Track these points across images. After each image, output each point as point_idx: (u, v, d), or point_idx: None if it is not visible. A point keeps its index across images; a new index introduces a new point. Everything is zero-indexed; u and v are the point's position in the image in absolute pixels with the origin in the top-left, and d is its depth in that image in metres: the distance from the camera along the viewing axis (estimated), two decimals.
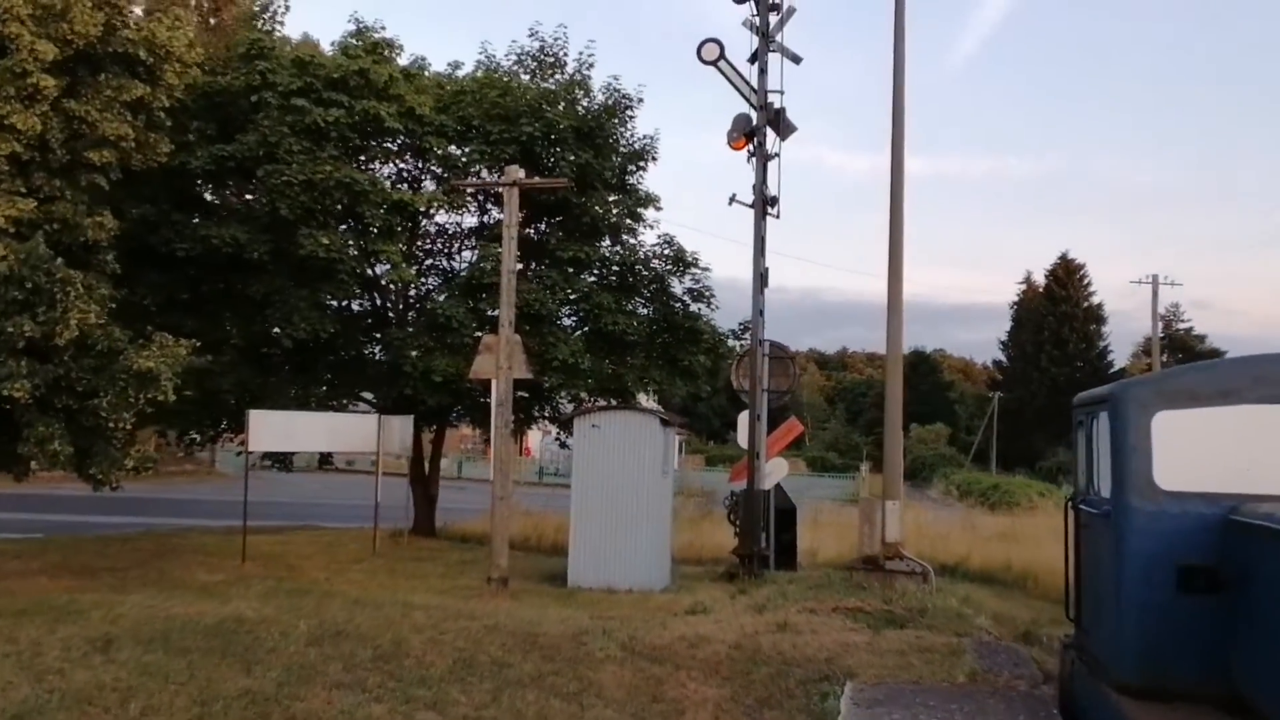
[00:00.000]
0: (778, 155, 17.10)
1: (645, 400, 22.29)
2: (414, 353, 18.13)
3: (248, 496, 15.28)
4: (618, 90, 19.84)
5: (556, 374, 18.53)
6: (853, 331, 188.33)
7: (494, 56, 20.53)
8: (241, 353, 17.86)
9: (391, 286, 20.02)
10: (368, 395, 20.87)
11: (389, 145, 19.22)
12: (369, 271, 19.26)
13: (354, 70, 18.10)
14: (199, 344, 14.06)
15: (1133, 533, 5.69)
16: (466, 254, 20.64)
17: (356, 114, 17.90)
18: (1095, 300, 78.01)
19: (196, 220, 17.53)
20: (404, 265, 18.31)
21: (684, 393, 21.51)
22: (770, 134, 16.99)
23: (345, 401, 20.41)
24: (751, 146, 17.08)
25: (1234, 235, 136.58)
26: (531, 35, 20.46)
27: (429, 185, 20.27)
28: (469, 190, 19.51)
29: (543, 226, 20.11)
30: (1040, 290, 79.60)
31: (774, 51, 17.28)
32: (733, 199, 16.99)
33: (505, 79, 19.74)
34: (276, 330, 17.48)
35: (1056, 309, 75.98)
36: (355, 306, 20.13)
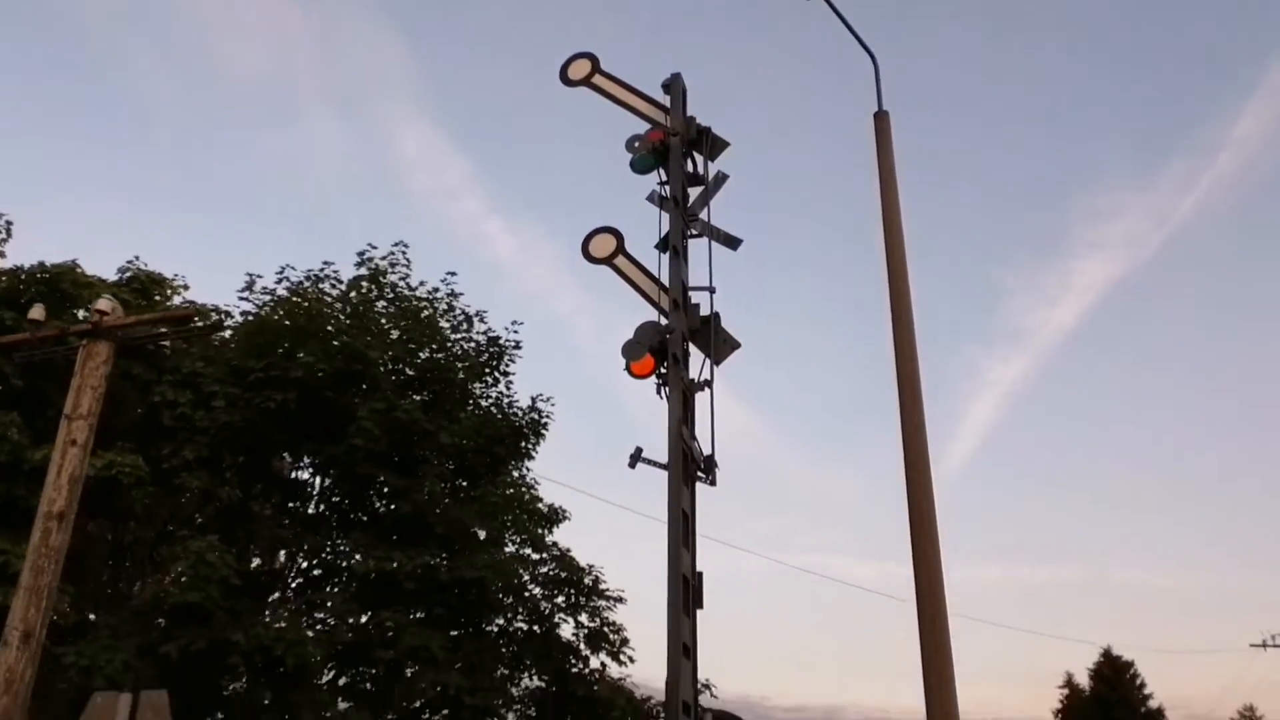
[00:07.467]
0: (708, 384, 9.66)
1: None
2: None
3: None
4: (464, 309, 13.04)
5: None
6: None
7: (301, 282, 13.93)
8: None
9: None
10: None
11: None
12: None
13: (40, 277, 11.47)
14: None
15: None
16: None
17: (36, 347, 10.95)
18: (1154, 704, 67.30)
19: None
20: None
21: None
22: (695, 352, 9.80)
23: None
24: (662, 370, 9.77)
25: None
26: (361, 262, 13.99)
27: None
28: None
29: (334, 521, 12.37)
30: (1085, 694, 69.57)
31: (696, 236, 10.63)
32: (638, 456, 9.31)
33: (299, 303, 12.95)
34: None
35: (1109, 715, 65.43)
36: None
